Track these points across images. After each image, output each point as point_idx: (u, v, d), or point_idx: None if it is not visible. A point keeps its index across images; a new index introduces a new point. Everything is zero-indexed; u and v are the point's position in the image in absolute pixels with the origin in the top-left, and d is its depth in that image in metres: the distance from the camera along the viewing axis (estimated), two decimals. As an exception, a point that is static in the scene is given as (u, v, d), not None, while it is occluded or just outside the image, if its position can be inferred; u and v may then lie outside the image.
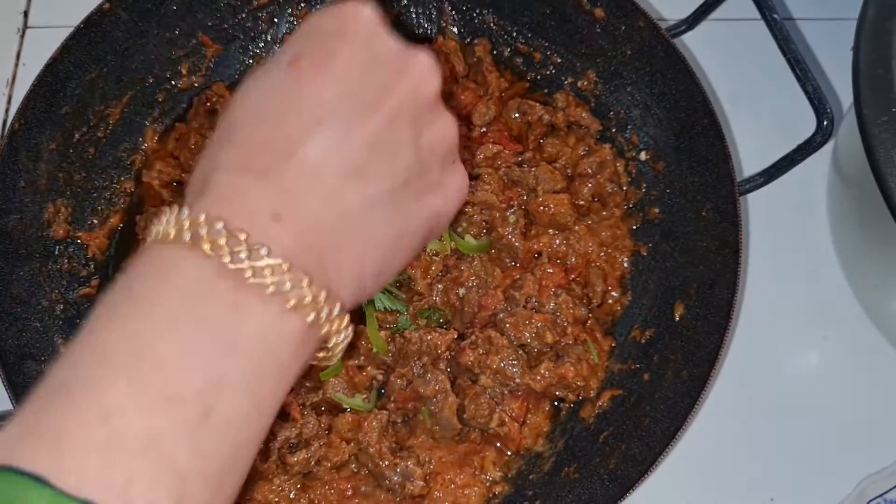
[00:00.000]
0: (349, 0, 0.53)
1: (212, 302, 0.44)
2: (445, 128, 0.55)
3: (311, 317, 0.47)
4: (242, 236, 0.45)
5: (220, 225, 0.45)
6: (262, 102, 0.50)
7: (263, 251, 0.45)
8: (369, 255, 0.51)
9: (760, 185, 1.02)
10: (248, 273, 0.44)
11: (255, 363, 0.45)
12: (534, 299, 1.06)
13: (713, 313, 0.97)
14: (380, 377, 1.04)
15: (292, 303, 0.46)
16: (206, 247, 0.44)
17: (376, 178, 0.51)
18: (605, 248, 1.12)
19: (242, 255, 0.44)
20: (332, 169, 0.49)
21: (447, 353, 1.03)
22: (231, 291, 0.44)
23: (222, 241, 0.44)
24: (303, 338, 0.47)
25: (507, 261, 1.10)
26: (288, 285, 0.45)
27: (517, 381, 1.01)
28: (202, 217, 0.45)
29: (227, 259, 0.44)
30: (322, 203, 0.48)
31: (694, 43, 1.18)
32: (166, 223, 0.46)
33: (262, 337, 0.45)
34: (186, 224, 0.45)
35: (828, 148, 1.13)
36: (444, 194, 0.57)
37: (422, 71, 0.53)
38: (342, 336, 0.50)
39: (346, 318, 0.50)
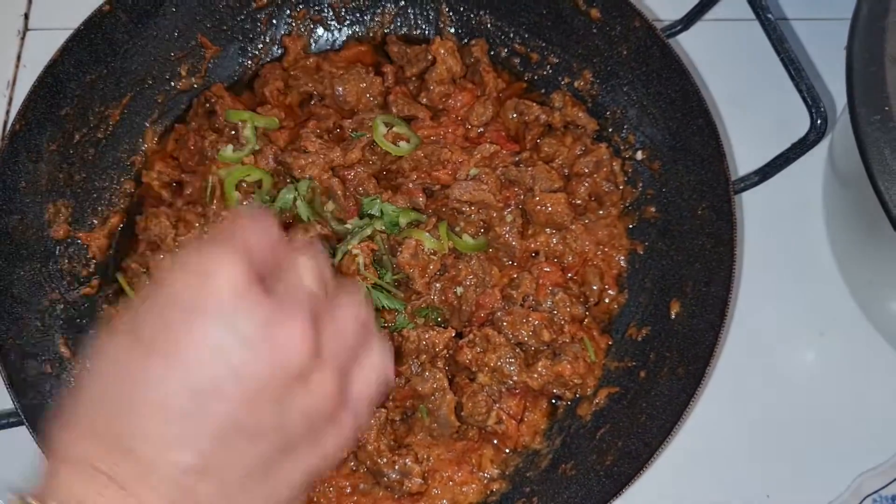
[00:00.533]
0: (212, 254, 0.49)
1: None
2: (316, 394, 0.51)
3: None
4: None
5: None
6: (108, 383, 0.49)
7: None
8: None
9: (755, 184, 1.03)
10: None
11: None
12: (531, 298, 1.07)
13: (708, 311, 0.97)
14: None
15: None
16: None
17: (230, 466, 0.48)
18: (601, 247, 1.13)
19: None
20: (175, 467, 0.47)
21: (445, 351, 1.03)
22: None
23: None
24: None
25: (505, 260, 1.11)
26: None
27: (514, 378, 1.02)
28: None
29: None
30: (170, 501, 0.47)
31: (689, 43, 1.19)
32: None
33: None
34: None
35: (824, 146, 1.14)
36: (322, 454, 0.54)
37: (288, 344, 0.49)
38: None
39: None
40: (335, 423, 0.53)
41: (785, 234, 1.18)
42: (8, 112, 1.25)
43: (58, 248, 1.07)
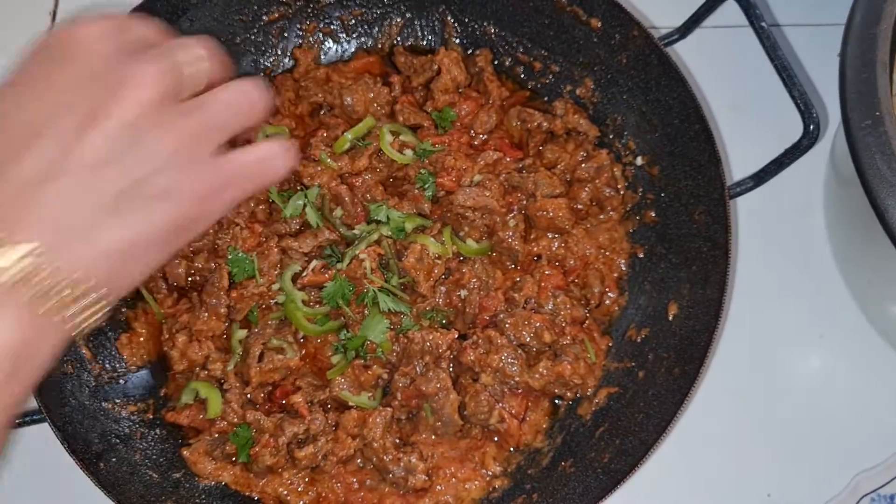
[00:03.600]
0: (81, 19, 0.54)
1: None
2: (169, 130, 0.54)
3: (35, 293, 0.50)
4: None
5: None
6: None
7: None
8: (101, 265, 0.52)
9: (750, 189, 1.05)
10: None
11: None
12: (533, 300, 1.09)
13: (704, 312, 1.00)
14: (385, 376, 1.08)
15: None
16: None
17: (96, 188, 0.52)
18: (603, 251, 1.15)
19: None
20: (36, 184, 0.50)
21: (449, 352, 1.06)
22: None
23: None
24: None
25: (508, 263, 1.14)
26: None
27: (517, 379, 1.05)
28: None
29: None
30: (40, 219, 0.50)
31: (687, 51, 1.21)
32: None
33: None
34: None
35: (824, 150, 1.16)
36: (182, 204, 0.55)
37: (142, 81, 0.53)
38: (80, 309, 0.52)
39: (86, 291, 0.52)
40: (195, 168, 0.55)
41: (785, 236, 1.20)
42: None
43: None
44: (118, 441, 1.01)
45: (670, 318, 1.05)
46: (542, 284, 1.10)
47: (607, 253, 1.15)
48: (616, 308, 1.12)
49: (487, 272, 1.10)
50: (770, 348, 1.14)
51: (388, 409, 1.04)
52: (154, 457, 1.02)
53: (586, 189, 1.16)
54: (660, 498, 1.06)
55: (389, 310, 1.07)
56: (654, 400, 0.98)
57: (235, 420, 1.04)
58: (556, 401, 1.08)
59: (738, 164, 1.19)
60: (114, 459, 0.98)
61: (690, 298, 1.03)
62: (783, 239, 1.19)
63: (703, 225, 1.05)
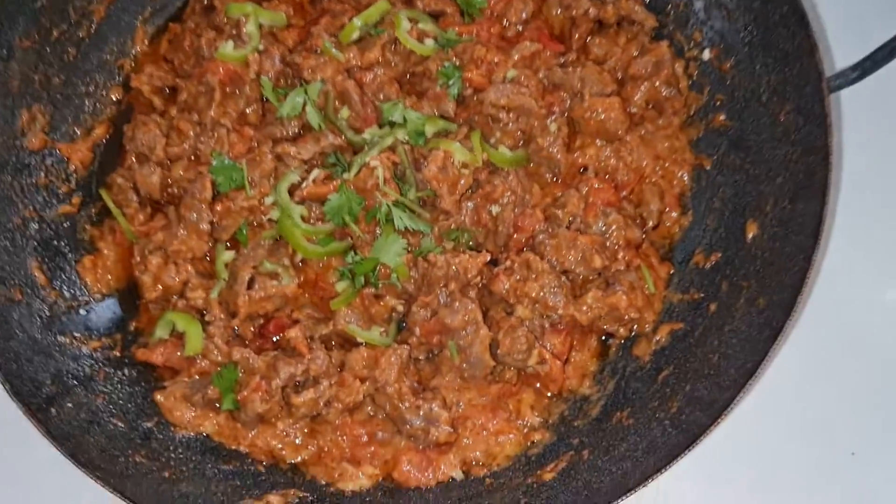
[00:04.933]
0: None
1: None
2: None
3: None
4: None
5: None
6: None
7: None
8: None
9: (854, 81, 0.86)
10: None
11: None
12: (578, 219, 0.92)
13: (796, 231, 0.81)
14: (400, 308, 0.91)
15: None
16: None
17: None
18: (661, 162, 0.97)
19: None
20: None
21: (479, 279, 0.89)
22: None
23: None
24: None
25: (548, 176, 0.96)
26: None
27: (560, 312, 0.88)
28: None
29: None
30: None
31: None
32: None
33: None
34: None
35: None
36: None
37: None
38: None
39: None
40: None
41: (892, 138, 0.99)
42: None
43: (33, 159, 0.94)
44: (76, 383, 0.84)
45: (749, 239, 0.86)
46: (590, 200, 0.93)
47: (667, 164, 0.98)
48: (678, 229, 0.95)
49: (523, 185, 0.93)
50: (864, 280, 0.96)
51: (405, 346, 0.87)
52: (120, 402, 0.85)
53: (641, 89, 0.98)
54: (732, 457, 0.88)
55: (406, 228, 0.89)
56: (734, 337, 0.80)
57: (219, 358, 0.86)
58: (607, 339, 0.90)
59: (836, 52, 0.99)
60: (69, 405, 0.80)
61: (776, 216, 0.84)
62: (888, 142, 0.99)
63: (791, 127, 0.86)
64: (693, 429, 0.74)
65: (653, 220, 0.94)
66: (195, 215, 0.90)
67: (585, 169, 0.96)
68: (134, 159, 0.96)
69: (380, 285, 0.90)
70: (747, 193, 0.90)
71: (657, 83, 0.97)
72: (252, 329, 0.89)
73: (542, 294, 0.87)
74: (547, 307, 0.87)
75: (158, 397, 0.86)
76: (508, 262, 0.89)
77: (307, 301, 0.91)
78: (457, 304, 0.86)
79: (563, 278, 0.88)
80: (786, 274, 0.80)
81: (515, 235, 0.91)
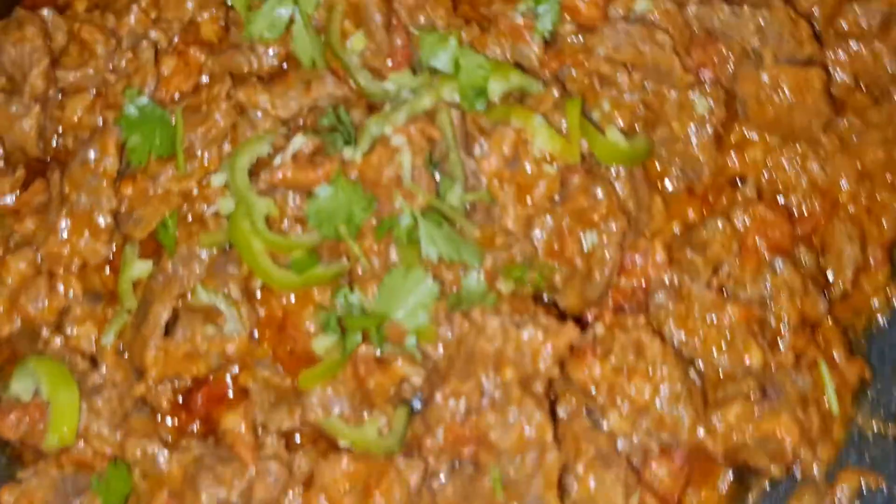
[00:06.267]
0: None
1: None
2: None
3: None
4: None
5: None
6: None
7: None
8: None
9: None
10: None
11: None
12: (727, 270, 0.64)
13: None
14: (416, 379, 0.61)
15: None
16: None
17: None
18: (867, 183, 0.68)
19: None
20: None
21: (556, 370, 0.60)
22: None
23: None
24: None
25: (680, 184, 0.68)
26: None
27: (682, 436, 0.59)
28: None
29: None
30: None
31: None
32: None
33: None
34: None
35: None
36: None
37: None
38: None
39: None
40: None
41: None
42: None
43: None
44: None
45: None
46: (749, 239, 0.64)
47: (876, 189, 0.70)
48: (881, 302, 0.66)
49: (639, 199, 0.64)
50: None
51: (418, 462, 0.58)
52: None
53: (851, 54, 0.68)
54: None
55: (440, 257, 0.61)
56: None
57: (107, 450, 0.59)
58: (746, 476, 0.63)
59: None
60: None
61: None
62: None
63: None
64: None
65: (843, 283, 0.66)
66: (91, 197, 0.63)
67: (743, 181, 0.68)
68: None
69: (386, 349, 0.61)
70: None
71: (882, 51, 0.68)
72: (168, 398, 0.62)
73: (654, 399, 0.59)
74: (660, 423, 0.58)
75: (6, 497, 0.60)
76: (602, 330, 0.60)
77: (266, 353, 0.63)
78: (513, 408, 0.56)
79: (692, 371, 0.60)
80: None
81: (620, 283, 0.64)
